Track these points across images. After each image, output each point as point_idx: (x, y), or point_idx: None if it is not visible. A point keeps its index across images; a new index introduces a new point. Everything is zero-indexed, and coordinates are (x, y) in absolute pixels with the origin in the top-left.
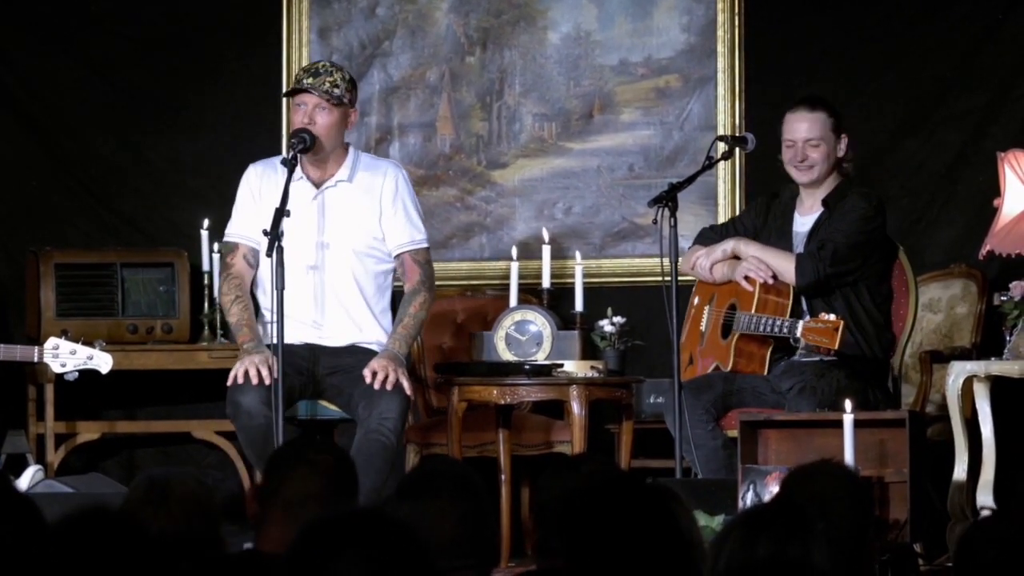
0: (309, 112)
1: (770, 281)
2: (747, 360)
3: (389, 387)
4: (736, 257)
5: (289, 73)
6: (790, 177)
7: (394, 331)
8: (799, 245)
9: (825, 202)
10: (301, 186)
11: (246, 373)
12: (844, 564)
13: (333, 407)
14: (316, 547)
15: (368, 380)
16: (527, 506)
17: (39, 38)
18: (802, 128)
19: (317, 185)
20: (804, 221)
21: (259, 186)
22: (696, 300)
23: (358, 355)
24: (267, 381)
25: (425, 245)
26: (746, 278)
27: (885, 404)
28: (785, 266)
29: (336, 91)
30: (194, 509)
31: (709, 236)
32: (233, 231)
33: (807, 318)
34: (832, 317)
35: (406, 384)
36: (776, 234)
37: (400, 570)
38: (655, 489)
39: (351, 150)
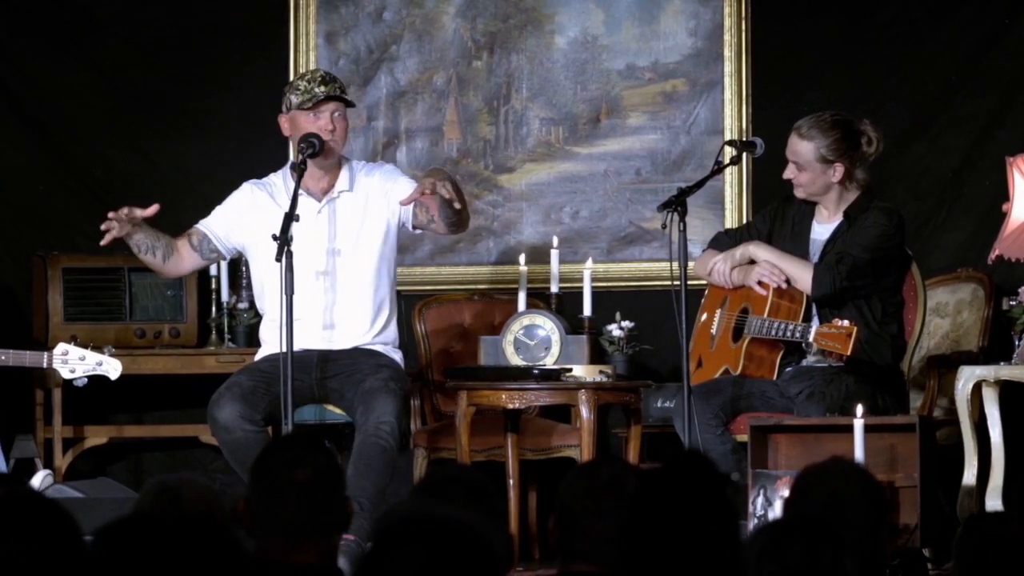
0: (330, 119)
1: (783, 286)
2: (757, 364)
3: (430, 191)
4: (751, 261)
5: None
6: None
7: None
8: (815, 253)
9: (847, 213)
10: (303, 201)
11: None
12: (858, 565)
13: (338, 411)
14: (392, 548)
15: (420, 194)
16: (535, 510)
17: (46, 42)
18: (789, 149)
19: (320, 197)
20: (822, 230)
21: (248, 202)
22: (704, 312)
23: (358, 358)
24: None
25: None
26: (759, 283)
27: (894, 409)
28: (801, 275)
29: (346, 95)
30: (206, 514)
31: (724, 241)
32: (201, 221)
33: (817, 323)
34: (846, 323)
35: (445, 191)
36: (792, 240)
37: (472, 571)
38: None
39: (347, 160)
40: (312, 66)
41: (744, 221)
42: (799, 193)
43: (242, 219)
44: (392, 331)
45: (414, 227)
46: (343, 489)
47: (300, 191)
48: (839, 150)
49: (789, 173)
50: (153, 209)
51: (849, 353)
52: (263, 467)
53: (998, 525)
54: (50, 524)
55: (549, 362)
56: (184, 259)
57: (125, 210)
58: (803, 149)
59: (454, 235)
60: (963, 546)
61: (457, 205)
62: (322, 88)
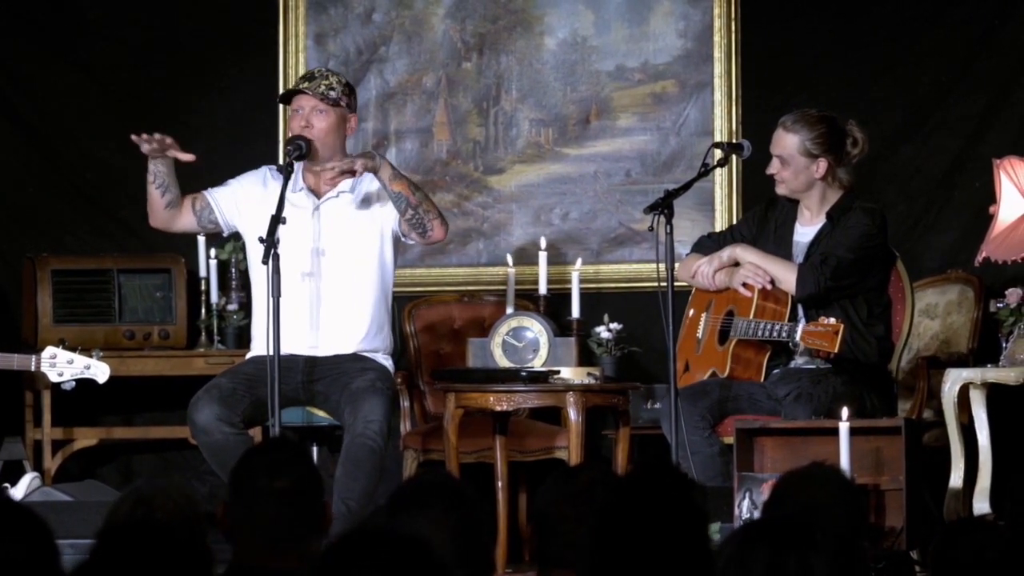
0: (306, 115)
1: (768, 287)
2: (744, 367)
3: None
4: (736, 264)
5: (286, 79)
6: None
7: None
8: (799, 255)
9: (829, 215)
10: (301, 197)
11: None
12: (837, 570)
13: (323, 414)
14: (339, 568)
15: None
16: (524, 512)
17: (37, 44)
18: (774, 143)
19: (318, 195)
20: (805, 231)
21: (259, 189)
22: (692, 308)
23: (344, 361)
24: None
25: None
26: (744, 284)
27: (882, 411)
28: (786, 275)
29: (332, 93)
30: (179, 523)
31: (707, 244)
32: (210, 189)
33: (803, 322)
34: (832, 320)
35: (360, 165)
36: (775, 242)
37: None
38: (695, 504)
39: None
40: (302, 67)
41: (733, 223)
42: (780, 190)
43: (248, 203)
44: (383, 339)
45: (403, 235)
46: (322, 495)
47: (301, 188)
48: (824, 145)
49: (772, 168)
50: (189, 156)
51: (836, 351)
52: (242, 473)
53: (974, 535)
54: (22, 530)
55: (537, 364)
56: (182, 217)
57: (163, 139)
58: (788, 142)
59: (435, 241)
60: (940, 556)
61: (391, 185)
62: (304, 84)
